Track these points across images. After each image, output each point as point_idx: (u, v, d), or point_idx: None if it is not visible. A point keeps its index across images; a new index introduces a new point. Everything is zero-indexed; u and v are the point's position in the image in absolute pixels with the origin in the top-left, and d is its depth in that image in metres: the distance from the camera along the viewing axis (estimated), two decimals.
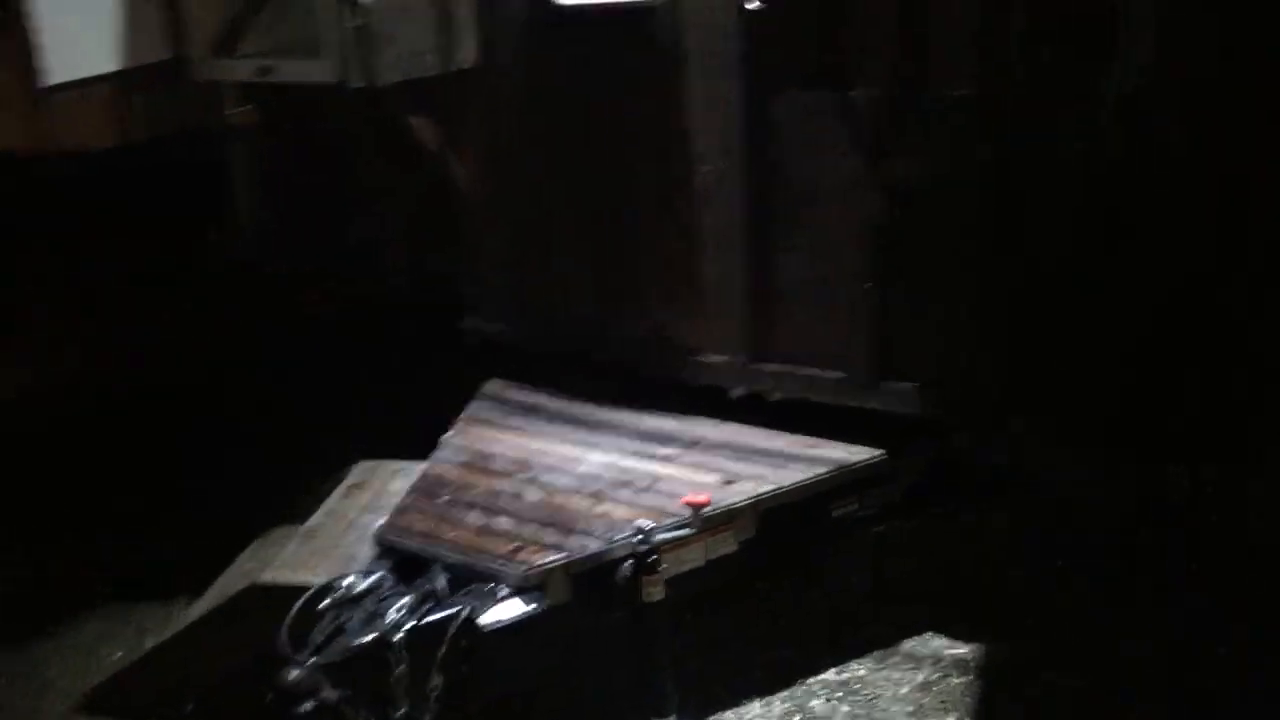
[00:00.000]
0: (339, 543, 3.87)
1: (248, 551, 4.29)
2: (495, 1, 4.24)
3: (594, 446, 4.12)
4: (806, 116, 3.80)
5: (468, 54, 4.29)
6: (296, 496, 4.35)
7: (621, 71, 4.07)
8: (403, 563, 3.62)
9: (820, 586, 4.18)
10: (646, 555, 3.45)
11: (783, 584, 4.18)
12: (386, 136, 4.44)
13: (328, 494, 4.20)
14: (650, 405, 4.30)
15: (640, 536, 3.47)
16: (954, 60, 3.35)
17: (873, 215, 3.73)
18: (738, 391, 4.17)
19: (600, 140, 4.22)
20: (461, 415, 4.41)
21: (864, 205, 3.75)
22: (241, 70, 4.27)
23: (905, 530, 4.04)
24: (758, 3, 3.38)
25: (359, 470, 4.36)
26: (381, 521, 3.79)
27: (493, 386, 4.59)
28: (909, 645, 3.98)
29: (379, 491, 4.15)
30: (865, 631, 4.03)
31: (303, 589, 3.51)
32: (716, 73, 3.89)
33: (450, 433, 4.30)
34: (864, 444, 3.95)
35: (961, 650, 3.94)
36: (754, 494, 3.73)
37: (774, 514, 3.74)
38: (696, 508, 3.59)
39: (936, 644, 3.98)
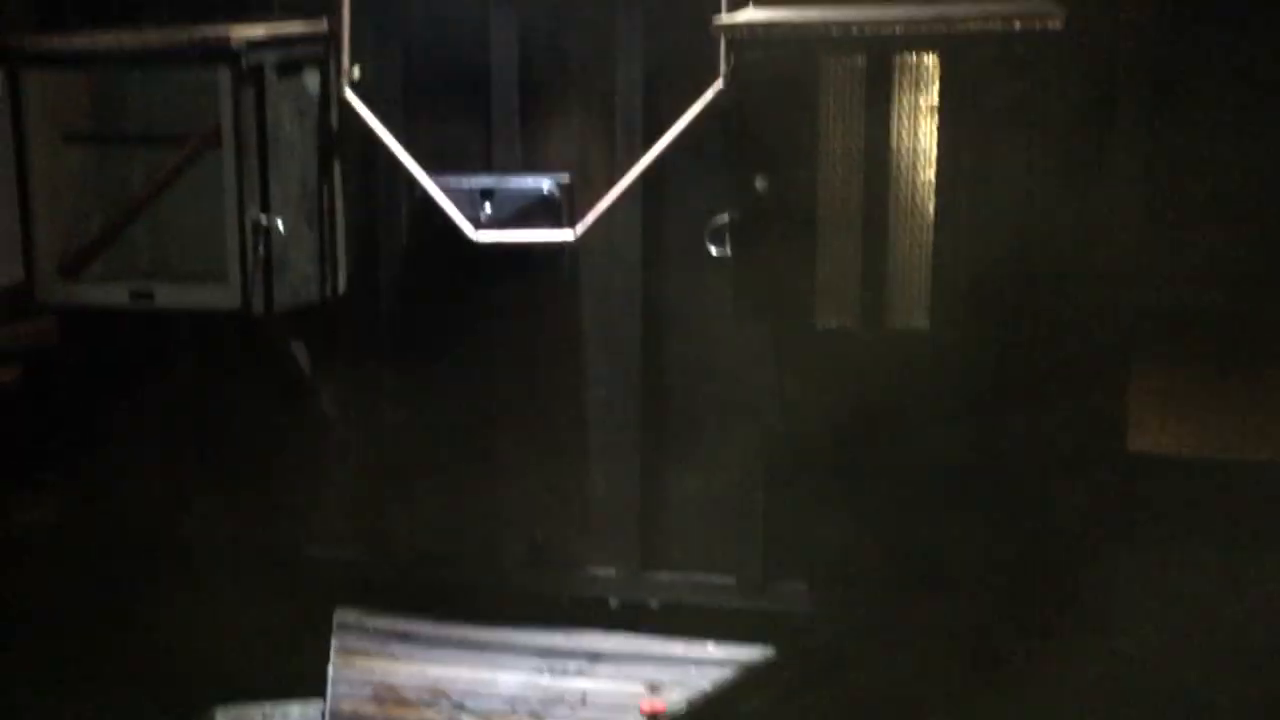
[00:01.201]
0: None
1: None
2: (370, 231, 4.32)
3: (499, 667, 4.11)
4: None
5: (340, 281, 4.32)
6: None
7: (512, 299, 4.25)
8: None
9: None
10: None
11: None
12: (260, 364, 4.31)
13: None
14: (527, 622, 4.36)
15: None
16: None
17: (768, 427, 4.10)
18: (617, 601, 4.34)
19: (478, 363, 4.34)
20: (332, 647, 4.26)
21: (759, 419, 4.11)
22: (97, 294, 4.04)
23: None
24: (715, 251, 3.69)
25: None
26: None
27: (348, 615, 4.45)
28: None
29: None
30: None
31: None
32: (615, 304, 4.17)
33: (331, 667, 4.14)
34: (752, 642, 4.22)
35: None
36: (698, 695, 3.88)
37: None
38: (655, 715, 3.70)
39: None
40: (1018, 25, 3.27)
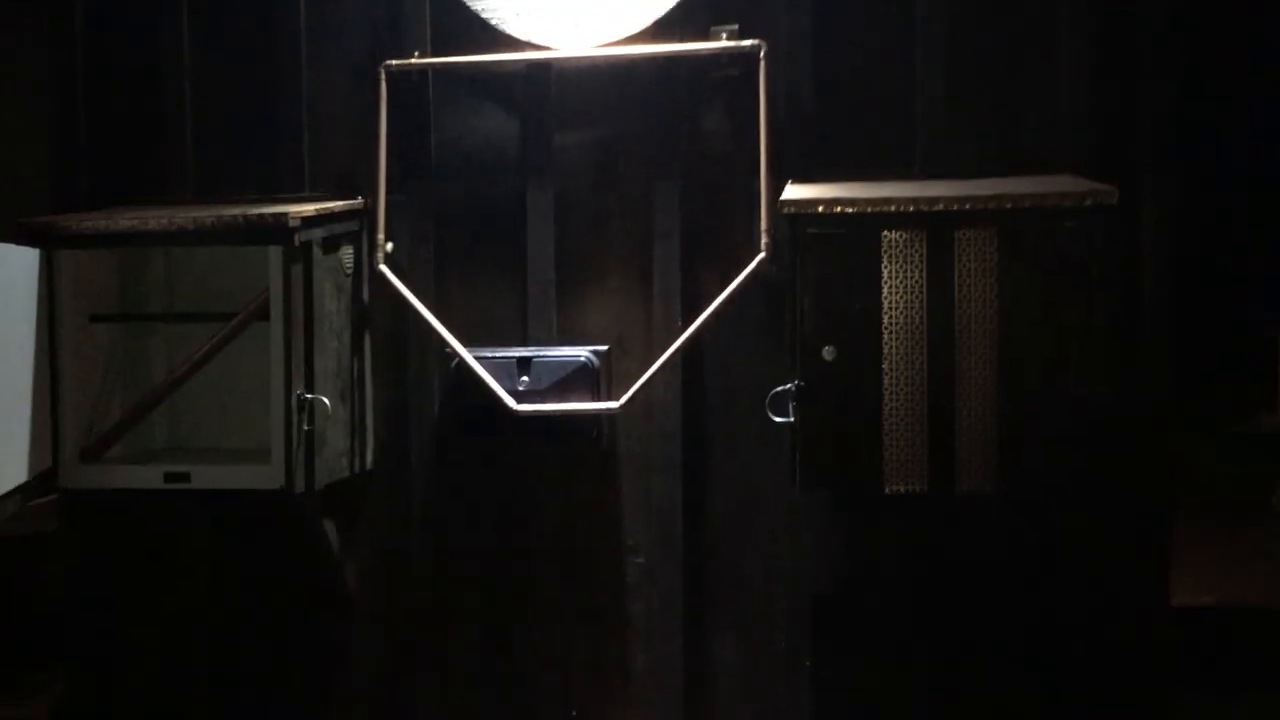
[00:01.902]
0: None
1: None
2: (401, 404, 4.27)
3: None
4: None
5: (369, 456, 4.25)
6: None
7: (549, 470, 4.22)
8: None
9: None
10: None
11: None
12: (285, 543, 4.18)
13: None
14: None
15: None
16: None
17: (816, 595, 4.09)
18: None
19: (513, 534, 4.27)
20: None
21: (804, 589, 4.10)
22: (126, 477, 3.90)
23: None
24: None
25: None
26: None
27: None
28: None
29: None
30: None
31: None
32: (655, 473, 4.17)
33: None
34: None
35: None
36: None
37: None
38: None
39: None
40: (1088, 203, 3.42)
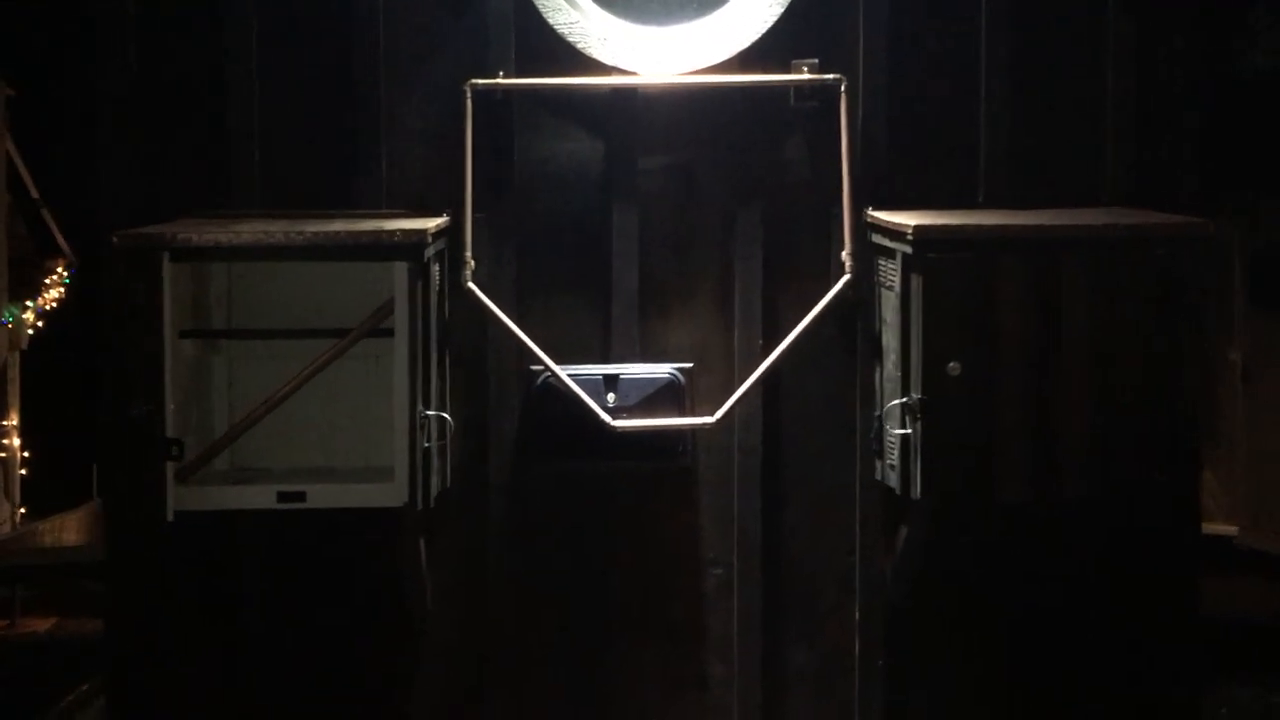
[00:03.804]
0: None
1: None
2: (480, 422, 4.27)
3: None
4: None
5: (448, 473, 4.22)
6: None
7: (630, 486, 4.29)
8: None
9: None
10: None
11: None
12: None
13: None
14: None
15: None
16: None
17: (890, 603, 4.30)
18: None
19: (591, 550, 4.32)
20: None
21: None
22: (236, 498, 3.78)
23: None
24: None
25: None
26: None
27: None
28: None
29: None
30: None
31: None
32: (735, 486, 4.30)
33: None
34: None
35: None
36: None
37: None
38: None
39: None
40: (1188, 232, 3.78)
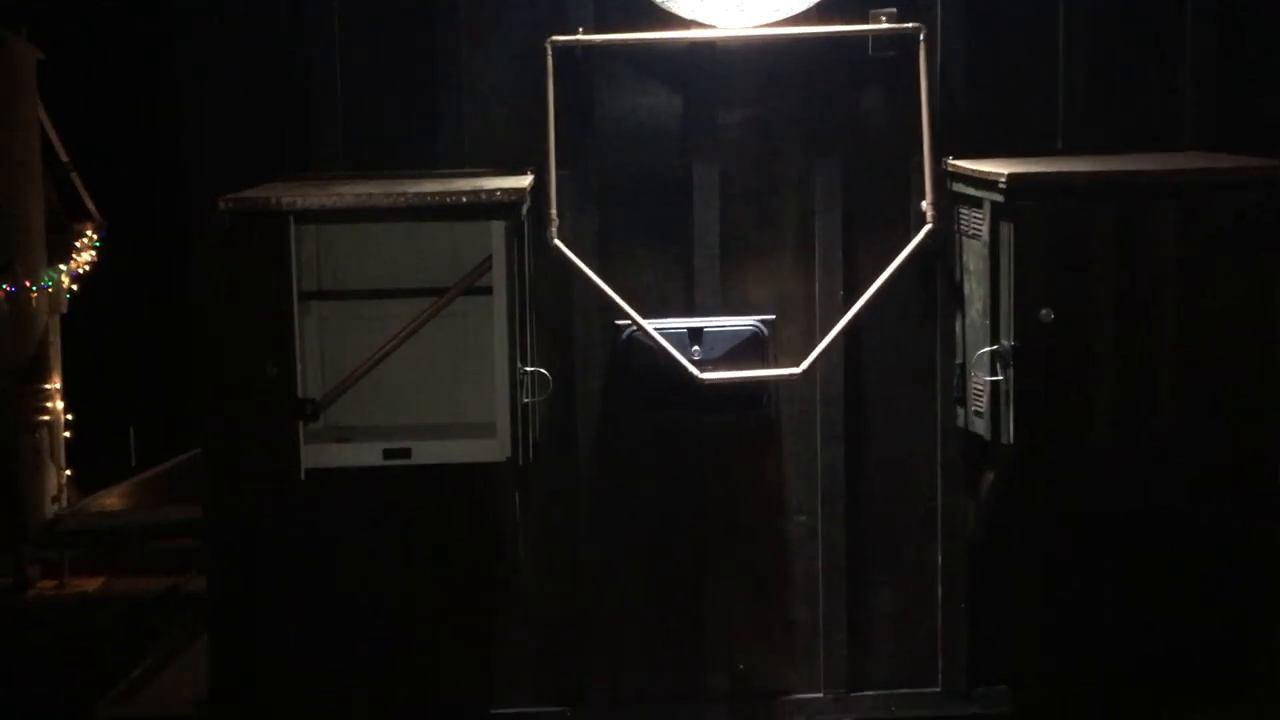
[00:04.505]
0: None
1: None
2: (567, 376, 4.32)
3: None
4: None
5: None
6: None
7: (715, 437, 4.36)
8: None
9: None
10: None
11: None
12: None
13: None
14: None
15: None
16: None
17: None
18: None
19: (678, 500, 4.39)
20: None
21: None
22: (347, 455, 3.84)
23: None
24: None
25: None
26: None
27: None
28: None
29: None
30: None
31: None
32: (818, 436, 4.37)
33: None
34: None
35: None
36: None
37: None
38: None
39: None
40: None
